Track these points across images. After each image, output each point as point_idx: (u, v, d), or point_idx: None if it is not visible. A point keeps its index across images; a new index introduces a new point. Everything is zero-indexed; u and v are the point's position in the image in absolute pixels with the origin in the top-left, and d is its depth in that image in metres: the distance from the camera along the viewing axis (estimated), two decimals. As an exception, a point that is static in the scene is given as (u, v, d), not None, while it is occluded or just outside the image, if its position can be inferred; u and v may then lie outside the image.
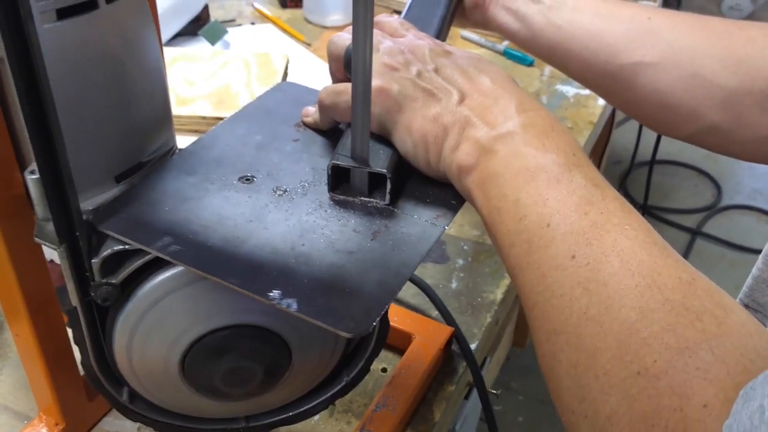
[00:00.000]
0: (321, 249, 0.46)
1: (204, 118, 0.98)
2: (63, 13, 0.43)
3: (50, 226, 0.45)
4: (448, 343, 0.74)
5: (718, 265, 2.30)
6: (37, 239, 0.47)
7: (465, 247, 0.91)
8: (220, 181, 0.50)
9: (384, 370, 0.74)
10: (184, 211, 0.47)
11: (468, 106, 0.49)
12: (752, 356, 0.34)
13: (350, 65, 0.46)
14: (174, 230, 0.46)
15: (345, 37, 0.55)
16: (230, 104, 0.99)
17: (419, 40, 0.54)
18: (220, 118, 0.95)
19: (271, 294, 0.42)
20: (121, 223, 0.46)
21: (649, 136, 1.92)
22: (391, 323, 0.60)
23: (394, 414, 0.67)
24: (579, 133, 1.12)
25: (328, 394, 0.57)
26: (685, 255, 2.30)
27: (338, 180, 0.50)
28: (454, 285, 0.85)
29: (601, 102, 1.19)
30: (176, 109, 0.97)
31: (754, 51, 0.62)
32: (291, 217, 0.48)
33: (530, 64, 1.28)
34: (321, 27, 1.35)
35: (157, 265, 0.47)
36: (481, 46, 1.32)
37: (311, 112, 0.57)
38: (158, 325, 0.49)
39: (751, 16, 2.24)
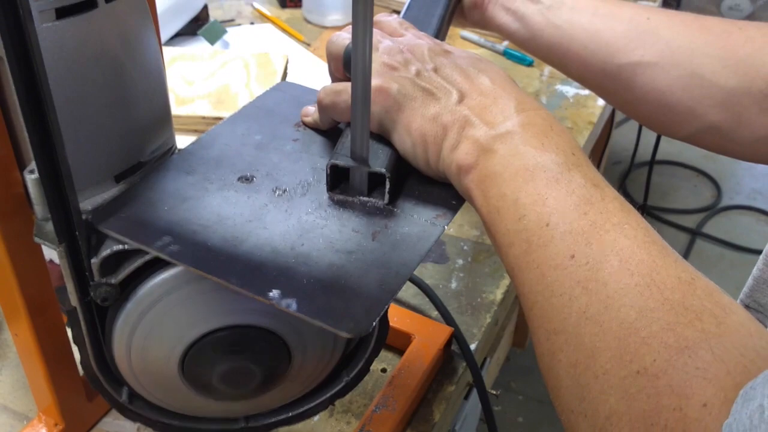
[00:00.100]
0: (320, 249, 0.46)
1: (203, 117, 0.98)
2: (62, 13, 0.43)
3: (49, 226, 0.45)
4: (448, 343, 0.74)
5: (717, 265, 2.30)
6: (36, 239, 0.47)
7: (465, 247, 0.91)
8: (220, 181, 0.50)
9: (384, 370, 0.74)
10: (183, 211, 0.47)
11: (467, 106, 0.49)
12: (752, 356, 0.34)
13: (349, 65, 0.46)
14: (173, 230, 0.46)
15: (344, 37, 0.55)
16: (229, 104, 0.99)
17: (418, 40, 0.54)
18: (220, 118, 0.95)
19: (270, 294, 0.42)
20: (121, 223, 0.46)
21: (649, 136, 1.92)
22: (391, 323, 0.60)
23: (393, 414, 0.67)
24: (579, 133, 1.12)
25: (328, 395, 0.57)
26: (685, 255, 2.30)
27: (337, 180, 0.50)
28: (453, 285, 0.85)
29: (601, 102, 1.19)
30: (176, 109, 0.97)
31: (752, 50, 0.62)
32: (290, 217, 0.48)
33: (530, 64, 1.28)
34: (320, 27, 1.35)
35: (156, 265, 0.47)
36: (481, 46, 1.32)
37: (311, 111, 0.57)
38: (158, 326, 0.49)
39: (751, 17, 2.24)
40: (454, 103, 0.49)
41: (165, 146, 0.53)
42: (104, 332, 0.50)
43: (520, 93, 0.49)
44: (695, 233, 2.39)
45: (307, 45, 1.29)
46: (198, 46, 1.22)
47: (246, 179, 0.51)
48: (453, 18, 0.74)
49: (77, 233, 0.45)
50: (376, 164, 0.49)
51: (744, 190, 2.59)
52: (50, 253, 0.50)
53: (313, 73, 1.19)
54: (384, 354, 0.75)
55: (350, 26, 0.45)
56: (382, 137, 0.52)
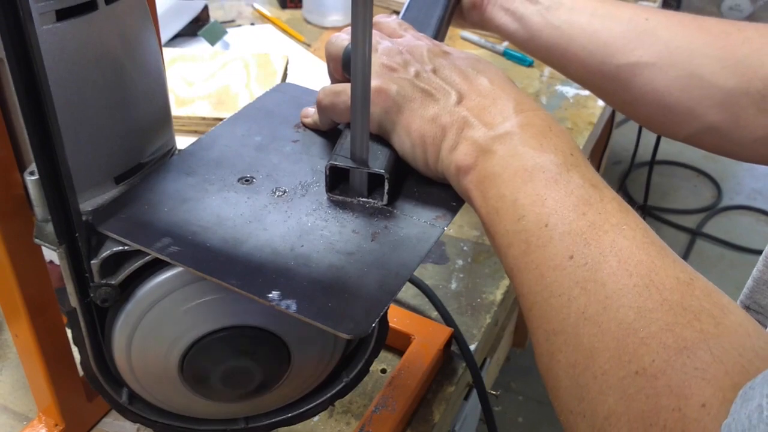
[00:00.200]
0: (320, 250, 0.46)
1: (203, 118, 0.98)
2: (62, 14, 0.43)
3: (50, 227, 0.45)
4: (448, 343, 0.74)
5: (717, 265, 2.30)
6: (36, 240, 0.47)
7: (464, 248, 0.91)
8: (220, 182, 0.50)
9: (383, 371, 0.74)
10: (183, 212, 0.47)
11: (466, 107, 0.49)
12: (750, 356, 0.34)
13: (349, 66, 0.46)
14: (173, 231, 0.46)
15: (343, 38, 0.55)
16: (230, 105, 0.99)
17: (417, 41, 0.54)
18: (220, 119, 0.95)
19: (270, 295, 0.42)
20: (121, 224, 0.46)
21: (649, 136, 1.92)
22: (391, 324, 0.60)
23: (393, 415, 0.67)
24: (579, 133, 1.12)
25: (328, 395, 0.57)
26: (685, 255, 2.30)
27: (337, 181, 0.50)
28: (453, 286, 0.85)
29: (601, 102, 1.19)
30: (176, 110, 0.97)
31: (750, 51, 0.62)
32: (290, 218, 0.48)
33: (530, 65, 1.28)
34: (320, 27, 1.35)
35: (156, 266, 0.47)
36: (481, 46, 1.32)
37: (311, 112, 0.57)
38: (157, 326, 0.49)
39: (751, 17, 2.24)
40: (453, 104, 0.49)
41: (165, 147, 0.53)
42: (104, 333, 0.50)
43: (518, 94, 0.49)
44: (695, 233, 2.39)
45: (308, 46, 1.29)
46: (198, 47, 1.22)
47: (246, 180, 0.51)
48: (452, 19, 0.74)
49: (77, 234, 0.45)
50: (375, 165, 0.49)
51: (744, 190, 2.59)
52: (50, 254, 0.50)
53: (313, 74, 1.19)
54: (384, 354, 0.75)
55: (350, 27, 0.45)
56: (382, 138, 0.52)
